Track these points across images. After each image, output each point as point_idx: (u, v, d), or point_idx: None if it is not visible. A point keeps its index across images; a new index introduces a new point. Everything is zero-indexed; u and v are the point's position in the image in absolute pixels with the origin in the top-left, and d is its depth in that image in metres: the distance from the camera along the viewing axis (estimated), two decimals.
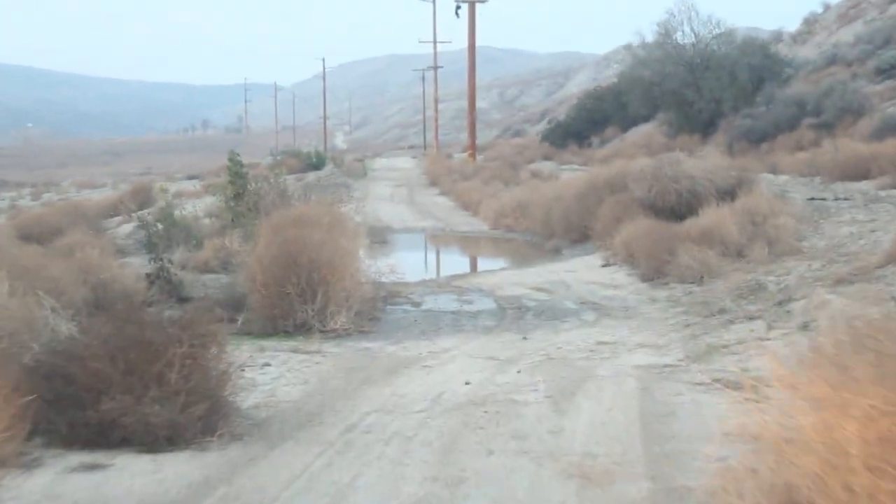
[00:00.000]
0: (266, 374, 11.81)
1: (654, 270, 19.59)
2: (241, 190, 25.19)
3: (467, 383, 11.08)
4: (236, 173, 25.68)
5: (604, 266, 22.05)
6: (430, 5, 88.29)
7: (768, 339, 12.76)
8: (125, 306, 12.41)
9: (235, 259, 19.41)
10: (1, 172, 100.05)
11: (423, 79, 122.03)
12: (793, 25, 78.97)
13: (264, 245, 16.03)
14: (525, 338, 14.57)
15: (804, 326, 13.16)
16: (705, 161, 27.85)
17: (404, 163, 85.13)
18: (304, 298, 14.89)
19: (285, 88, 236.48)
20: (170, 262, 18.73)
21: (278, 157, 68.38)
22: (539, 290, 19.57)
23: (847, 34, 66.40)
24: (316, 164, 73.37)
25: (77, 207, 30.19)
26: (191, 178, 75.96)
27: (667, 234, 20.74)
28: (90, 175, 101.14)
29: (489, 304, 18.27)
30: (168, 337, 8.56)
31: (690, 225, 21.13)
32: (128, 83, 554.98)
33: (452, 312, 17.45)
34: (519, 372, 11.78)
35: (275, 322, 14.95)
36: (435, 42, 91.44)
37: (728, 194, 24.09)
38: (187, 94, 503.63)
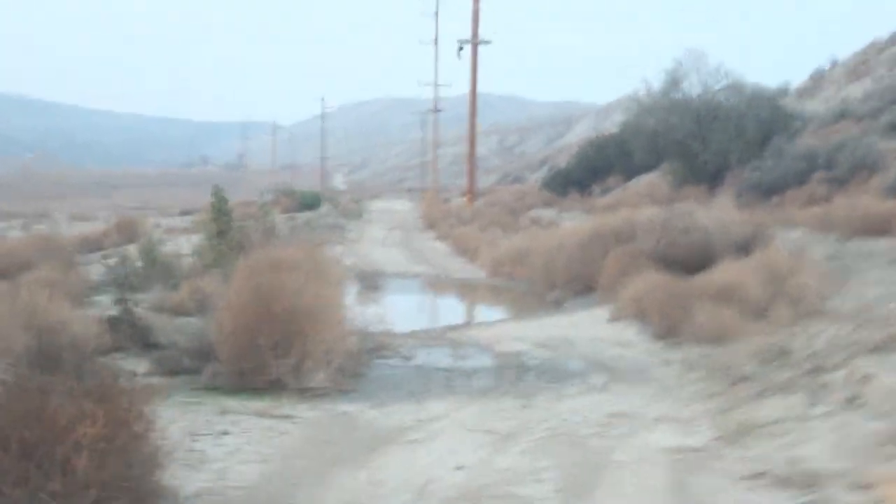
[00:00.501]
0: (222, 445, 9.78)
1: (667, 329, 17.72)
2: (224, 227, 23.71)
3: (459, 468, 9.08)
4: (220, 210, 24.21)
5: (610, 321, 20.15)
6: (432, 49, 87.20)
7: (811, 419, 10.87)
8: (70, 357, 10.70)
9: (211, 302, 17.50)
10: None
11: (423, 123, 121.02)
12: (798, 80, 76.96)
13: (236, 289, 14.18)
14: (526, 405, 12.64)
15: (849, 403, 11.34)
16: (718, 213, 26.21)
17: (402, 205, 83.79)
18: (277, 352, 12.96)
19: (285, 127, 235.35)
20: (135, 304, 16.84)
21: (267, 196, 65.86)
22: (541, 346, 17.69)
23: (856, 90, 65.07)
24: (311, 203, 71.73)
25: (51, 240, 28.11)
26: (184, 213, 74.01)
27: (681, 289, 18.89)
28: (85, 207, 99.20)
29: (486, 360, 16.41)
30: (79, 411, 6.61)
31: (706, 281, 19.24)
32: (120, 115, 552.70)
33: (445, 370, 15.54)
34: (522, 453, 9.78)
35: (244, 377, 12.97)
36: (436, 85, 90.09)
37: (743, 249, 22.48)
38: (185, 129, 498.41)
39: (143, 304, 20.23)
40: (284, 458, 9.44)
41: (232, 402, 12.15)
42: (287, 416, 11.31)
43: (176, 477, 7.59)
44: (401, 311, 23.93)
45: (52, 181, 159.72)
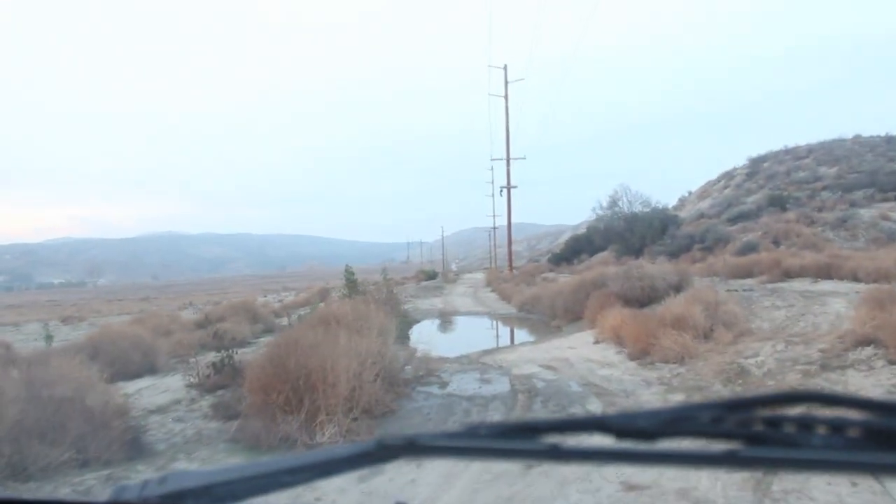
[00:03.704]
0: None
1: (640, 351, 10.84)
2: (351, 289, 17.85)
3: None
4: (349, 280, 18.40)
5: (595, 343, 13.13)
6: (490, 195, 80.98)
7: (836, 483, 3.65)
8: None
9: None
10: (289, 284, 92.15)
11: (490, 236, 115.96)
12: (671, 202, 71.20)
13: (270, 345, 7.29)
14: (530, 465, 5.46)
15: None
16: (658, 266, 19.56)
17: (478, 276, 76.49)
18: (288, 408, 6.05)
19: (428, 242, 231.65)
20: (235, 351, 10.05)
21: (387, 275, 60.61)
22: (547, 367, 10.75)
23: (704, 204, 61.89)
24: (432, 276, 67.60)
25: (245, 304, 21.38)
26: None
27: (647, 320, 11.93)
28: (319, 281, 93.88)
29: (504, 386, 9.39)
30: None
31: (663, 312, 12.30)
32: (355, 242, 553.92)
33: (468, 398, 8.53)
34: None
35: (258, 435, 6.08)
36: (494, 215, 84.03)
37: (675, 288, 16.32)
38: (382, 248, 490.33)
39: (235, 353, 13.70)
40: None
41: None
42: None
43: None
44: (459, 338, 17.18)
45: (315, 273, 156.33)
